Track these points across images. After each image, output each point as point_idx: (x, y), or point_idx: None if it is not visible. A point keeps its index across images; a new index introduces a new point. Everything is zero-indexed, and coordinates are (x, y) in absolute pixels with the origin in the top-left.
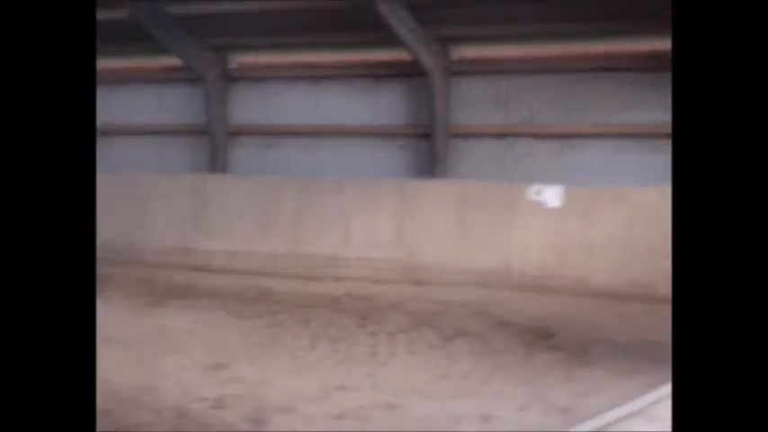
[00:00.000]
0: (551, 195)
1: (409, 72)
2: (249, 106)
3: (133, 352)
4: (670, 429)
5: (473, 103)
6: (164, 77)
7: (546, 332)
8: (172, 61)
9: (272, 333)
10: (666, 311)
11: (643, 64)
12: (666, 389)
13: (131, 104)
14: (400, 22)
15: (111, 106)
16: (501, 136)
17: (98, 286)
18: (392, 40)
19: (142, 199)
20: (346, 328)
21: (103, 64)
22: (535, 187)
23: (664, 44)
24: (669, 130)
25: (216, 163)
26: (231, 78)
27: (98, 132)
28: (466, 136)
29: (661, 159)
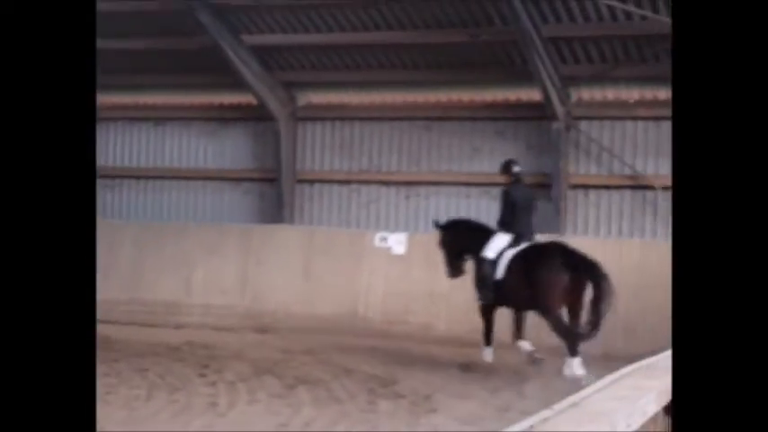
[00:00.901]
0: (396, 242)
1: (255, 116)
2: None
3: None
4: None
5: (319, 149)
6: None
7: (390, 379)
8: None
9: (108, 382)
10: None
11: (486, 113)
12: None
13: None
14: (245, 66)
15: None
16: (347, 182)
17: None
18: (237, 84)
19: None
20: (185, 377)
21: None
22: (380, 234)
23: (505, 94)
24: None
25: None
26: None
27: None
28: (312, 181)
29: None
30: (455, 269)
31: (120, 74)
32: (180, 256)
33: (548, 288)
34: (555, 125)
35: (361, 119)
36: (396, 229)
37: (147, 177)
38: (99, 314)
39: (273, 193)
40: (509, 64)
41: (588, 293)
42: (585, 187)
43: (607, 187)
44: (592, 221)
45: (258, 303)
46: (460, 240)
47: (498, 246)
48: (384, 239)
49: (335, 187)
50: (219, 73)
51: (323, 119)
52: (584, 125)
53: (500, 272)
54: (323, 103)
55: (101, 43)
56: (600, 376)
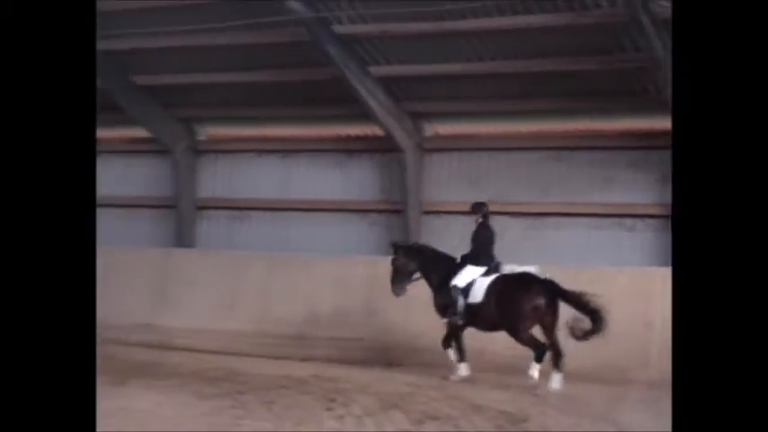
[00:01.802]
0: None
1: (381, 147)
2: (217, 179)
3: None
4: None
5: (446, 180)
6: (131, 149)
7: (521, 417)
8: (139, 132)
9: (235, 414)
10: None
11: (617, 142)
12: None
13: (98, 175)
14: (372, 97)
15: None
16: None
17: None
18: (364, 115)
19: (105, 273)
20: (312, 410)
21: None
22: (508, 267)
23: (639, 123)
24: (646, 210)
25: (182, 236)
26: (200, 151)
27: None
28: (439, 212)
29: (637, 238)
30: (401, 288)
31: (248, 106)
32: (306, 287)
33: (522, 311)
34: None
35: (488, 149)
36: (523, 262)
37: (275, 209)
38: (224, 346)
39: (400, 224)
40: (641, 92)
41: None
42: None
43: None
44: None
45: (385, 336)
46: (420, 264)
47: (469, 276)
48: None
49: (462, 218)
50: (346, 104)
51: (450, 149)
52: None
53: (476, 297)
54: (450, 133)
55: (227, 77)
56: None
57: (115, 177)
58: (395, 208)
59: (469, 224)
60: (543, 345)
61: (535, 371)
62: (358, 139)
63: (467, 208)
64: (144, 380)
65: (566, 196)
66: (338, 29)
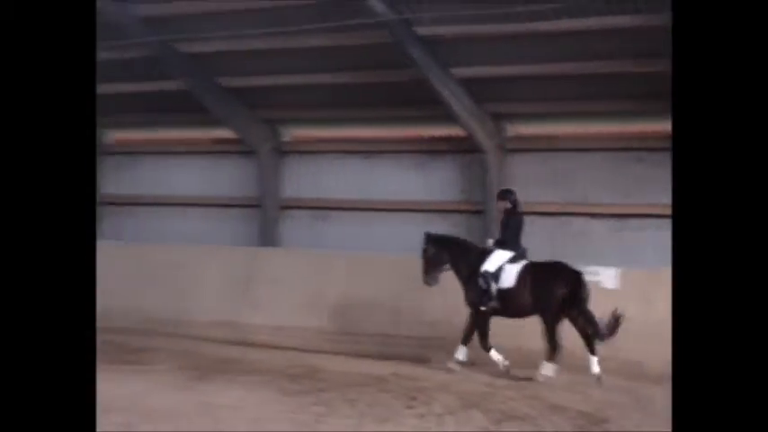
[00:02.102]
0: (608, 277)
1: (463, 148)
2: (301, 180)
3: (177, 427)
4: None
5: (528, 180)
6: (216, 150)
7: (601, 418)
8: (224, 134)
9: (317, 411)
10: None
11: None
12: None
13: (184, 176)
14: (455, 98)
15: (162, 177)
16: (556, 214)
17: (145, 358)
18: (446, 116)
19: (190, 271)
20: (393, 408)
21: (157, 135)
22: (591, 268)
23: None
24: None
25: (267, 236)
26: (284, 152)
27: (147, 203)
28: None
29: None
30: (432, 279)
31: (331, 108)
32: (389, 287)
33: (553, 298)
34: None
35: (570, 150)
36: (605, 263)
37: (357, 209)
38: (306, 343)
39: (480, 224)
40: None
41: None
42: None
43: None
44: None
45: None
46: (450, 255)
47: (498, 261)
48: (595, 274)
49: (544, 219)
50: (428, 106)
51: (531, 150)
52: None
53: (508, 282)
54: (532, 134)
55: (311, 78)
56: None
57: (202, 178)
58: (476, 209)
59: (551, 225)
60: (561, 346)
61: (549, 370)
62: (440, 140)
63: (549, 209)
64: (227, 375)
65: (648, 197)
66: (420, 30)
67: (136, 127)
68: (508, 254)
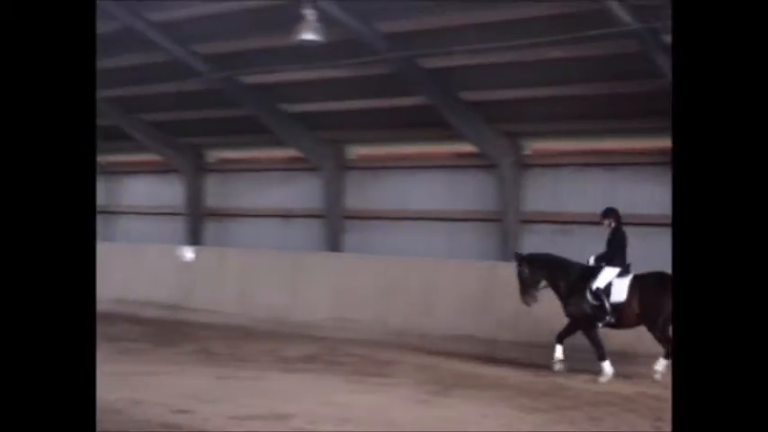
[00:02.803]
0: None
1: None
2: (542, 193)
3: None
4: None
5: None
6: (458, 164)
7: None
8: (465, 148)
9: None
10: None
11: None
12: None
13: (425, 190)
14: None
15: (404, 191)
16: None
17: (387, 370)
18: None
19: (431, 284)
20: (639, 428)
21: (399, 149)
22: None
23: None
24: None
25: (507, 249)
26: (524, 165)
27: (389, 217)
28: None
29: None
30: (531, 297)
31: (572, 120)
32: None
33: (662, 307)
34: None
35: None
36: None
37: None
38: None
39: None
40: None
41: None
42: None
43: None
44: None
45: None
46: (546, 273)
47: (608, 277)
48: None
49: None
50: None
51: None
52: None
53: (619, 296)
54: None
55: (552, 91)
56: None
57: (443, 192)
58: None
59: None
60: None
61: (661, 365)
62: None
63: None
64: (466, 390)
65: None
66: (667, 39)
67: (378, 143)
68: (615, 270)
